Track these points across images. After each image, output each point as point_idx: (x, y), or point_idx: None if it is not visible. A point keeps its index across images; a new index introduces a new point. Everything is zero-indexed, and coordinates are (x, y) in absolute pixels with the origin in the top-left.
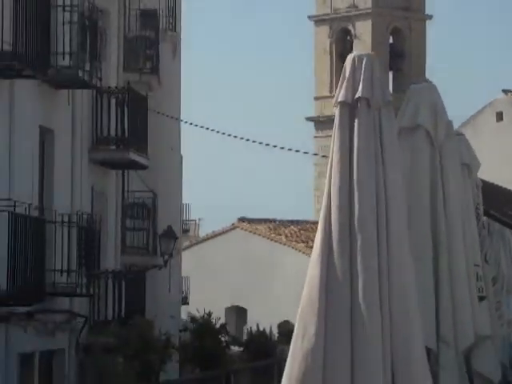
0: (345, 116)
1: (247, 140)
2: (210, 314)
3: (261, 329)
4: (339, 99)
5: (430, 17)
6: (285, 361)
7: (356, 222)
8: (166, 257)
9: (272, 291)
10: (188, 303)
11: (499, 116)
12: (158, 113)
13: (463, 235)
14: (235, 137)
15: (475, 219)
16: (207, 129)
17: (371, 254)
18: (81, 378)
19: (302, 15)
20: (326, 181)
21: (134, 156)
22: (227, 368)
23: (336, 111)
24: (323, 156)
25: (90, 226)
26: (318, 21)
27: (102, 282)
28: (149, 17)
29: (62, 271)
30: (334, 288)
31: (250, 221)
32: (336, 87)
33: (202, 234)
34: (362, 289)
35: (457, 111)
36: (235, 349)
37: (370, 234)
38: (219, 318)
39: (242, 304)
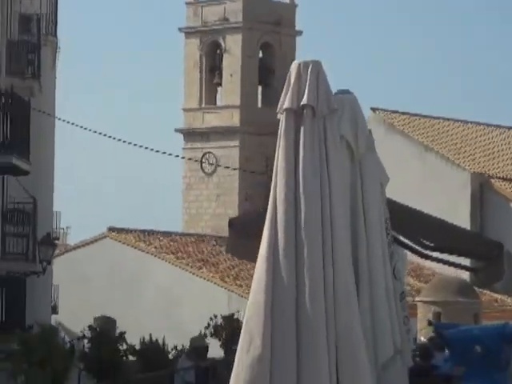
0: (290, 123)
1: (119, 140)
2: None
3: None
4: (284, 106)
5: (300, 32)
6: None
7: (302, 230)
8: (45, 264)
9: (141, 302)
10: (57, 312)
11: None
12: (40, 111)
13: (382, 251)
14: (109, 137)
15: (386, 235)
16: (81, 127)
17: (317, 261)
18: None
19: (173, 26)
20: (272, 187)
21: (16, 161)
22: (125, 378)
23: (281, 118)
24: (197, 160)
25: None
26: (189, 33)
27: None
28: (29, 21)
29: None
30: (280, 296)
31: (120, 230)
32: (205, 100)
33: (70, 242)
34: (307, 301)
35: None
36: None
37: (316, 242)
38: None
39: (110, 314)
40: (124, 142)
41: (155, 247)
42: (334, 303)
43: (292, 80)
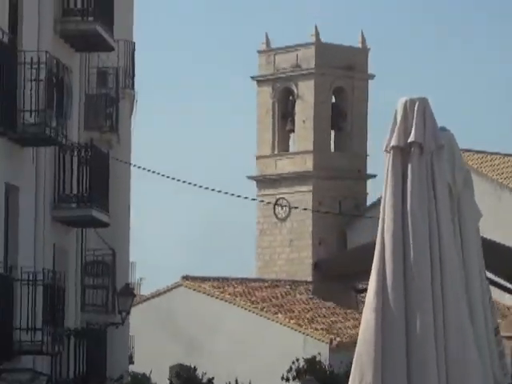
0: (397, 161)
1: (195, 185)
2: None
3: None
4: (392, 144)
5: (373, 76)
6: None
7: (411, 268)
8: (124, 314)
9: (216, 349)
10: (133, 362)
11: None
12: (117, 159)
13: (481, 287)
14: (183, 182)
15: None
16: (158, 174)
17: (426, 299)
18: None
19: (246, 74)
20: (379, 227)
21: (96, 214)
22: None
23: (388, 156)
24: (269, 202)
25: (54, 284)
26: (261, 81)
27: (65, 341)
28: (107, 75)
29: (27, 329)
30: (390, 333)
31: (194, 278)
32: (278, 146)
33: (143, 292)
34: (418, 335)
35: None
36: None
37: (425, 281)
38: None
39: (187, 362)
40: (200, 187)
41: (229, 294)
42: (444, 342)
43: (398, 118)
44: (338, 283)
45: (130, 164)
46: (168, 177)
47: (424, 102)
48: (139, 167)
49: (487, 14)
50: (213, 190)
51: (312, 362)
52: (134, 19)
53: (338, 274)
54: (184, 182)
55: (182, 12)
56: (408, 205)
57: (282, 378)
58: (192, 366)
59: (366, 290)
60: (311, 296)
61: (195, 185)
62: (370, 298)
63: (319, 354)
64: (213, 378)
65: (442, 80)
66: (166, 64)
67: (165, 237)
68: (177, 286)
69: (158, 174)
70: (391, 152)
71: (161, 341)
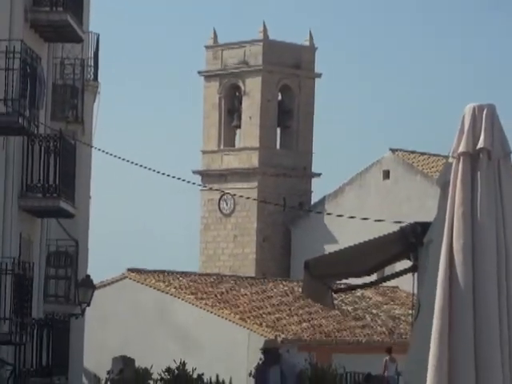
0: (466, 167)
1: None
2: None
3: None
4: (460, 150)
5: (320, 75)
6: None
7: (478, 277)
8: (84, 306)
9: (160, 342)
10: None
11: (386, 174)
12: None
13: None
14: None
15: None
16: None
17: (493, 310)
18: None
19: (193, 69)
20: (445, 236)
21: (64, 204)
22: None
23: (456, 162)
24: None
25: (23, 274)
26: (208, 76)
27: (30, 331)
28: (71, 66)
29: None
30: (458, 347)
31: (139, 271)
32: (224, 142)
33: None
34: (484, 342)
35: (344, 168)
36: None
37: (492, 289)
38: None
39: (129, 354)
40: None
41: (175, 288)
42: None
43: (467, 124)
44: (318, 282)
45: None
46: (128, 161)
47: (492, 109)
48: (107, 153)
49: (423, 16)
50: (168, 175)
51: None
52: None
53: (324, 273)
54: (141, 166)
55: (131, 7)
56: (478, 213)
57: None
58: (182, 361)
59: (341, 289)
60: (255, 291)
61: (150, 169)
62: (438, 311)
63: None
64: (202, 373)
65: (389, 80)
66: (117, 56)
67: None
68: (123, 277)
69: (124, 159)
70: (460, 158)
71: (104, 333)
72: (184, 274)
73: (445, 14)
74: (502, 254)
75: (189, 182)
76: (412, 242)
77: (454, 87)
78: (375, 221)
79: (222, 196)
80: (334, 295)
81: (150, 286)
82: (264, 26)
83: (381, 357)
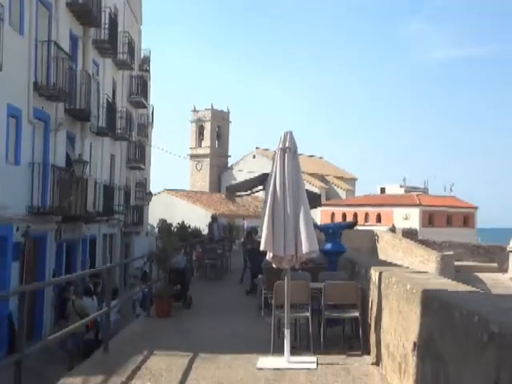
0: (282, 154)
1: None
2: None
3: None
4: (280, 147)
5: (231, 122)
6: None
7: (280, 196)
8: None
9: None
10: None
11: None
12: None
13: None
14: None
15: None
16: None
17: (283, 206)
18: None
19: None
20: (271, 182)
21: None
22: None
23: (280, 152)
24: None
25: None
26: (191, 122)
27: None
28: None
29: None
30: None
31: None
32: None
33: None
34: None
35: None
36: None
37: (284, 198)
38: None
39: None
40: None
41: None
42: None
43: (283, 138)
44: (232, 194)
45: None
46: None
47: (291, 133)
48: None
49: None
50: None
51: None
52: None
53: (233, 189)
54: None
55: None
56: (285, 175)
57: None
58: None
59: (239, 196)
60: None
61: None
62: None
63: None
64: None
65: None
66: None
67: None
68: None
69: None
70: (280, 150)
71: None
72: None
73: None
74: (289, 194)
75: None
76: (263, 179)
77: None
78: None
79: None
80: (237, 196)
81: None
82: (211, 105)
83: None
